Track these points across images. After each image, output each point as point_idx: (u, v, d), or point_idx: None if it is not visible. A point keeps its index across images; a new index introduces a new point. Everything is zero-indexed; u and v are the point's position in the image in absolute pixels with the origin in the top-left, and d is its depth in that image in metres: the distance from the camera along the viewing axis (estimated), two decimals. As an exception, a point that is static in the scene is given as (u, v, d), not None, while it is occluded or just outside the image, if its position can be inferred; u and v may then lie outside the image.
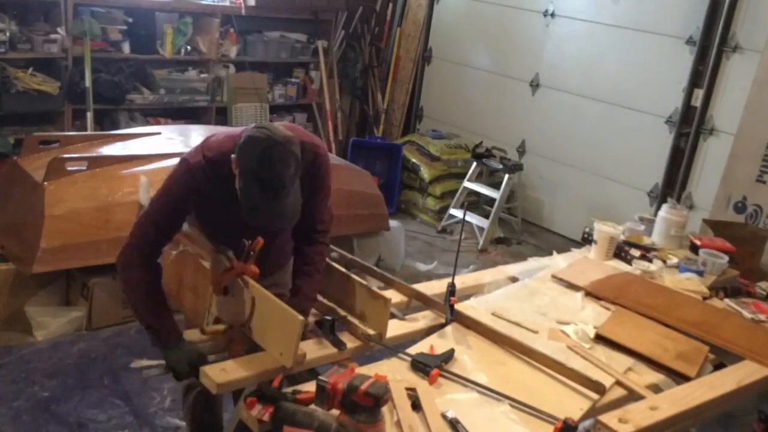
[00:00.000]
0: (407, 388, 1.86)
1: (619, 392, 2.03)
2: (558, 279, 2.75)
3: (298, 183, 1.93)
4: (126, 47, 4.88)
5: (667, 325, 2.42)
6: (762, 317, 2.64)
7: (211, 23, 5.21)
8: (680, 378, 2.14)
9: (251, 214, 1.91)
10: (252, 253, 1.99)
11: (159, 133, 4.09)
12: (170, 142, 3.95)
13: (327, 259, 2.27)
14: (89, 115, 4.65)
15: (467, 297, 2.53)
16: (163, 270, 2.15)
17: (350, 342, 2.07)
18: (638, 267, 2.95)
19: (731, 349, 2.34)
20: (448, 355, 2.03)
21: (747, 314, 2.67)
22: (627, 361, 2.20)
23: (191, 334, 2.00)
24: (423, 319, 2.31)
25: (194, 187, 2.00)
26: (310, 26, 5.94)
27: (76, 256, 3.29)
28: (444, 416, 1.76)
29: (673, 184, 4.87)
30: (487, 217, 5.29)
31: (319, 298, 2.24)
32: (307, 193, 2.03)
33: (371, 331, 2.07)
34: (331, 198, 2.23)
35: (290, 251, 2.25)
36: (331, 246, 2.39)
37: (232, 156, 1.92)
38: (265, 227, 1.98)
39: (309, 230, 2.18)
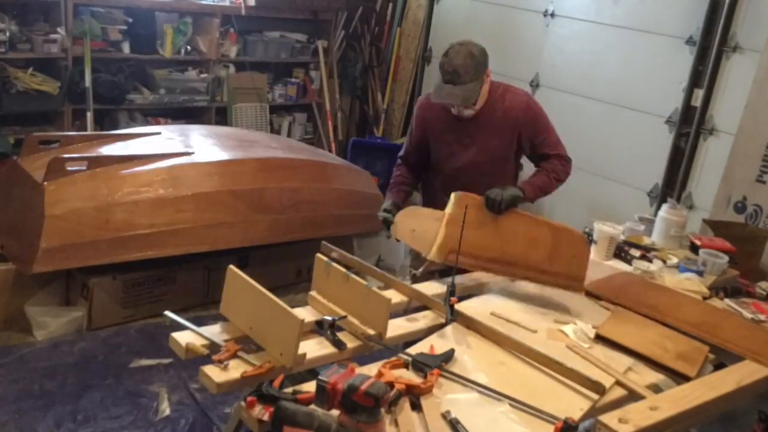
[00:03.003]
0: (407, 388, 1.85)
1: (619, 392, 2.03)
2: (558, 279, 2.74)
3: (477, 80, 2.66)
4: (126, 47, 4.88)
5: (667, 325, 2.42)
6: (762, 317, 2.64)
7: (211, 23, 5.21)
8: (680, 378, 2.14)
9: (434, 93, 2.71)
10: None
11: (159, 133, 4.09)
12: (170, 142, 3.95)
13: (548, 178, 2.82)
14: (89, 115, 4.65)
15: (467, 297, 2.53)
16: None
17: (350, 342, 2.07)
18: (638, 267, 2.94)
19: (731, 349, 2.34)
20: (448, 355, 2.03)
21: (747, 314, 2.66)
22: (627, 361, 2.19)
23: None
24: (423, 319, 2.31)
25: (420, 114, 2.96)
26: (310, 26, 5.93)
27: (76, 256, 3.29)
28: (444, 416, 1.76)
29: (673, 184, 4.86)
30: (487, 217, 5.28)
31: (319, 297, 2.24)
32: (530, 133, 2.83)
33: (371, 331, 2.07)
34: (552, 127, 2.89)
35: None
36: (331, 246, 2.39)
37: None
38: (441, 102, 2.74)
39: (542, 156, 2.87)
